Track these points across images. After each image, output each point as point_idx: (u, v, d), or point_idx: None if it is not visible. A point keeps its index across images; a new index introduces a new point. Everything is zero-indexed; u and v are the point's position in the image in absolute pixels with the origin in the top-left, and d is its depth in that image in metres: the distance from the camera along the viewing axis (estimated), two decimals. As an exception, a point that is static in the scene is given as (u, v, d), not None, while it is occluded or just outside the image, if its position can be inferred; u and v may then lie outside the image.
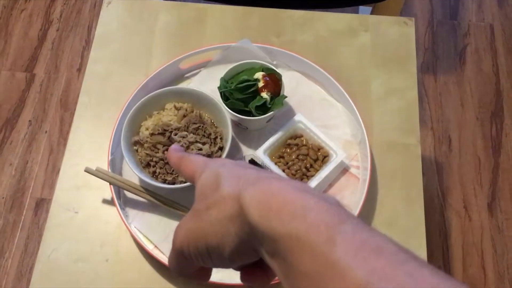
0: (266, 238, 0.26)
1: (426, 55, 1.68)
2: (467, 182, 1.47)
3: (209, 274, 0.37)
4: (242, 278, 0.33)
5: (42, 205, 1.40)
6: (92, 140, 0.83)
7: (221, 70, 0.80)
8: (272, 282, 0.33)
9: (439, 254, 1.38)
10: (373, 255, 0.23)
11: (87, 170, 0.74)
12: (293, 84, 0.87)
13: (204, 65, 0.89)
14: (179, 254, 0.33)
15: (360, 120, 0.80)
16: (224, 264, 0.31)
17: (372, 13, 1.26)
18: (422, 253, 0.74)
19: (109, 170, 0.77)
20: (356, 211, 0.74)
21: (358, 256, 0.23)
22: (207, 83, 0.85)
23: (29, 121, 1.61)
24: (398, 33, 0.92)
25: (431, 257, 1.38)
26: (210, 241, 0.30)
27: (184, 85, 0.87)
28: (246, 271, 0.33)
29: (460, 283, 0.22)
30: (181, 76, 0.89)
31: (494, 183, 1.47)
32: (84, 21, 1.80)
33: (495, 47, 1.69)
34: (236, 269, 0.33)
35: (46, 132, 1.59)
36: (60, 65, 1.72)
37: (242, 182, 0.29)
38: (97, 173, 0.74)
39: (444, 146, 1.53)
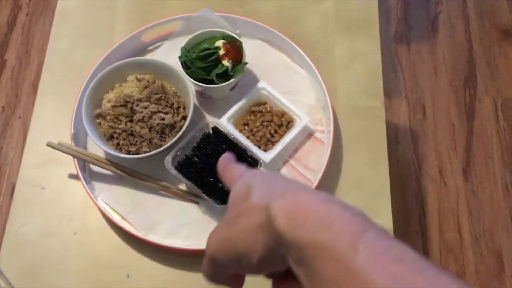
0: (292, 247, 0.27)
1: (399, 25, 1.68)
2: (442, 149, 1.49)
3: (242, 280, 0.37)
4: (273, 286, 0.34)
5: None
6: (56, 116, 0.83)
7: (184, 41, 0.79)
8: None
9: (416, 220, 1.40)
10: (394, 262, 0.24)
11: (49, 144, 0.73)
12: (257, 53, 0.86)
13: (167, 37, 0.88)
14: (212, 261, 0.34)
15: (323, 85, 0.80)
16: (254, 271, 0.32)
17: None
18: (387, 212, 0.75)
19: (73, 144, 0.76)
20: (320, 174, 0.75)
21: (380, 263, 0.24)
22: (170, 55, 0.84)
23: (2, 107, 1.59)
24: (360, -2, 0.92)
25: (408, 224, 1.40)
26: (240, 249, 0.31)
27: (148, 57, 0.87)
28: (277, 279, 0.34)
29: None
30: (144, 49, 0.88)
31: (468, 149, 1.49)
32: (54, 4, 1.75)
33: (467, 14, 1.69)
34: (268, 277, 0.35)
35: (19, 117, 1.58)
36: (31, 50, 1.69)
37: (271, 193, 0.30)
38: (59, 147, 0.73)
39: (418, 114, 1.54)
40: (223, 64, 0.76)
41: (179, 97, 0.79)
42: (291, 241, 0.27)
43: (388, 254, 0.24)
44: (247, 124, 0.79)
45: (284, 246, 0.28)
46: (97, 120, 0.77)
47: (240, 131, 0.78)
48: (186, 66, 0.77)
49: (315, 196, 0.28)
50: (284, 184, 0.32)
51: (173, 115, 0.76)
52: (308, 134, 0.80)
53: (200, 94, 0.82)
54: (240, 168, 0.40)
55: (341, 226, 0.26)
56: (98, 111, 0.76)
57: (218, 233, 0.33)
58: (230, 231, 0.32)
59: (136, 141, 0.74)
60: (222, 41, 0.78)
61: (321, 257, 0.25)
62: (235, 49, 0.78)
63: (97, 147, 0.75)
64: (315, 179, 0.75)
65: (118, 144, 0.75)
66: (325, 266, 0.25)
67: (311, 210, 0.27)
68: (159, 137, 0.74)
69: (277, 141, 0.77)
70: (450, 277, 0.23)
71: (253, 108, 0.80)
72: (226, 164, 0.41)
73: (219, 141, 0.72)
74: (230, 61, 0.76)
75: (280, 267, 0.31)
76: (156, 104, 0.76)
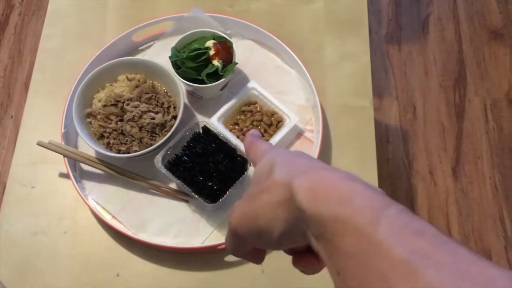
0: (313, 222, 0.27)
1: (390, 26, 1.69)
2: (432, 148, 1.50)
3: (262, 256, 0.38)
4: (293, 262, 0.35)
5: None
6: (47, 115, 0.83)
7: (175, 41, 0.80)
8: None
9: (406, 219, 1.41)
10: (415, 236, 0.24)
11: (40, 143, 0.74)
12: (247, 53, 0.87)
13: (158, 37, 0.89)
14: (234, 234, 0.35)
15: (312, 84, 0.81)
16: (274, 246, 0.32)
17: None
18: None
19: (63, 143, 0.77)
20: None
21: (400, 237, 0.24)
22: (161, 55, 0.84)
23: (-6, 106, 1.59)
24: (350, -1, 0.93)
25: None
26: (261, 223, 0.31)
27: (138, 57, 0.87)
28: (297, 255, 0.35)
29: (498, 266, 0.23)
30: (135, 49, 0.89)
31: (458, 148, 1.50)
32: (46, 4, 1.76)
33: (457, 15, 1.70)
34: (288, 253, 0.35)
35: (12, 117, 1.57)
36: (24, 49, 1.69)
37: (293, 170, 0.31)
38: (50, 146, 0.74)
39: (409, 114, 1.55)
40: (213, 64, 0.77)
41: (169, 96, 0.79)
42: (312, 216, 0.27)
43: (408, 228, 0.24)
44: (237, 124, 0.80)
45: (305, 222, 0.28)
46: (88, 120, 0.77)
47: (230, 130, 0.79)
48: (176, 66, 0.78)
49: (337, 174, 0.29)
50: (306, 162, 0.33)
51: (164, 114, 0.76)
52: (298, 133, 0.81)
53: (191, 94, 0.83)
54: (266, 145, 0.40)
55: (362, 201, 0.26)
56: (88, 110, 0.77)
57: (240, 208, 0.34)
58: (252, 206, 0.32)
59: (127, 140, 0.74)
60: (212, 41, 0.78)
61: (342, 231, 0.26)
62: (226, 49, 0.78)
63: (87, 146, 0.75)
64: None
65: (108, 143, 0.75)
66: (345, 240, 0.25)
67: (333, 186, 0.28)
68: (150, 136, 0.75)
69: (267, 140, 0.77)
70: (469, 251, 0.23)
71: (243, 108, 0.81)
72: (253, 141, 0.41)
73: (209, 141, 0.72)
74: (221, 61, 0.77)
75: (300, 243, 0.31)
76: (146, 103, 0.76)
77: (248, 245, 0.35)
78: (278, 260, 0.73)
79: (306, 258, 0.34)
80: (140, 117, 0.75)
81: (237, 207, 0.34)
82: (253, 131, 0.43)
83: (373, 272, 0.24)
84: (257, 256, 0.38)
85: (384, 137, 1.49)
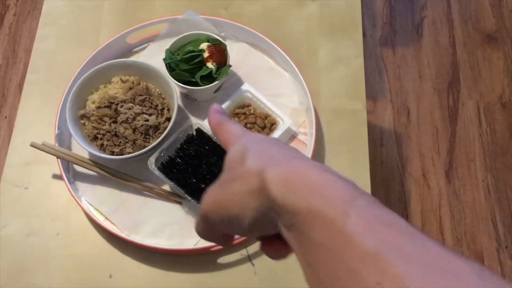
0: (285, 212, 0.27)
1: (384, 29, 1.70)
2: (426, 151, 1.51)
3: (231, 239, 0.39)
4: (261, 247, 0.35)
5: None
6: (40, 116, 0.83)
7: (169, 44, 0.80)
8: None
9: (400, 221, 1.42)
10: (384, 228, 0.24)
11: (33, 145, 0.74)
12: (242, 55, 0.87)
13: (152, 39, 0.89)
14: (204, 219, 0.35)
15: (306, 87, 0.81)
16: (244, 233, 0.33)
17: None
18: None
19: (57, 145, 0.77)
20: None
21: (369, 228, 0.24)
22: (156, 57, 0.85)
23: (-12, 107, 1.58)
24: (344, 2, 0.93)
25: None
26: (231, 211, 0.31)
27: (133, 59, 0.87)
28: (266, 241, 0.35)
29: (466, 258, 0.23)
30: (129, 51, 0.89)
31: (451, 151, 1.51)
32: (41, 4, 1.76)
33: (451, 19, 1.72)
34: (257, 238, 0.35)
35: (6, 117, 1.57)
36: (18, 50, 1.69)
37: (266, 159, 0.31)
38: (43, 147, 0.74)
39: (403, 117, 1.56)
40: (207, 67, 0.77)
41: (163, 98, 0.79)
42: (284, 206, 0.27)
43: (378, 220, 0.24)
44: (230, 126, 0.80)
45: (276, 212, 0.28)
46: (82, 121, 0.77)
47: (224, 132, 0.79)
48: (170, 68, 0.78)
49: (310, 164, 0.29)
50: (280, 151, 0.32)
51: (157, 116, 0.76)
52: (291, 136, 0.81)
53: (185, 96, 0.83)
54: (236, 128, 0.38)
55: (334, 193, 0.26)
56: (82, 112, 0.77)
57: (212, 194, 0.34)
58: (223, 193, 0.32)
59: (120, 142, 0.75)
60: (206, 43, 0.78)
61: (313, 222, 0.26)
62: (220, 51, 0.78)
63: (81, 148, 0.75)
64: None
65: (102, 145, 0.75)
66: (316, 230, 0.25)
67: (305, 177, 0.28)
68: (143, 138, 0.75)
69: (260, 143, 0.77)
70: (438, 243, 0.23)
71: (237, 110, 0.81)
72: (220, 122, 0.40)
73: (202, 143, 0.73)
74: (215, 64, 0.77)
75: (270, 232, 0.31)
76: (140, 105, 0.76)
77: (218, 231, 0.35)
78: (271, 262, 0.73)
79: (274, 243, 0.34)
80: (134, 119, 0.75)
81: (209, 193, 0.34)
82: (216, 105, 0.41)
83: (343, 264, 0.24)
84: (225, 240, 0.38)
85: (378, 140, 1.49)
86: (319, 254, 0.25)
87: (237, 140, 0.36)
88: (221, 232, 0.36)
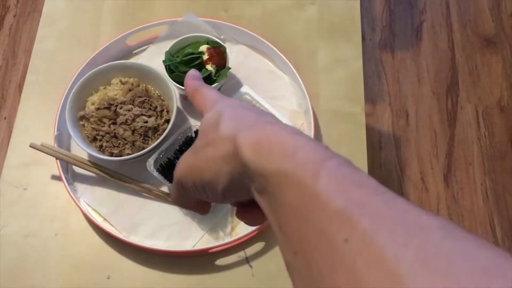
0: (257, 176, 0.27)
1: (383, 32, 1.71)
2: (424, 155, 1.51)
3: (207, 208, 0.38)
4: (236, 214, 0.35)
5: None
6: (40, 117, 0.83)
7: (169, 46, 0.80)
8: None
9: (398, 225, 1.42)
10: (353, 187, 0.24)
11: (32, 145, 0.74)
12: (241, 58, 0.88)
13: (152, 41, 0.89)
14: (179, 186, 0.35)
15: (304, 90, 0.81)
16: (218, 199, 0.33)
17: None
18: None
19: (56, 146, 0.77)
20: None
21: (339, 188, 0.24)
22: (155, 59, 0.85)
23: (-12, 108, 1.59)
24: (343, 5, 0.94)
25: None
26: (205, 177, 0.31)
27: (132, 61, 0.87)
28: (241, 208, 0.35)
29: (434, 214, 0.23)
30: (129, 53, 0.89)
31: (450, 155, 1.52)
32: (41, 6, 1.76)
33: (450, 23, 1.72)
34: (233, 204, 0.35)
35: (5, 118, 1.57)
36: (18, 51, 1.69)
37: (239, 124, 0.31)
38: (42, 148, 0.74)
39: (401, 120, 1.56)
40: (206, 69, 0.77)
41: (162, 100, 0.80)
42: (256, 170, 0.27)
43: (348, 179, 0.24)
44: (229, 128, 0.80)
45: (248, 176, 0.28)
46: (81, 122, 0.77)
47: (223, 134, 0.79)
48: (170, 70, 0.78)
49: (282, 128, 0.29)
50: (254, 116, 0.32)
51: (157, 118, 0.77)
52: (289, 138, 0.82)
53: (184, 98, 0.83)
54: (213, 94, 0.38)
55: (305, 155, 0.26)
56: (81, 113, 0.77)
57: (186, 160, 0.34)
58: (197, 159, 0.32)
59: (119, 143, 0.75)
60: (206, 46, 0.79)
61: (284, 185, 0.26)
62: (219, 54, 0.79)
63: (80, 149, 0.75)
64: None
65: (101, 146, 0.76)
66: (286, 193, 0.25)
67: (277, 140, 0.27)
68: (142, 139, 0.75)
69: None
70: (405, 200, 0.23)
71: (236, 112, 0.81)
72: (196, 88, 0.40)
73: (201, 144, 0.73)
74: (214, 66, 0.78)
75: (244, 198, 0.31)
76: (139, 107, 0.76)
77: (192, 197, 0.35)
78: (268, 264, 0.74)
79: (250, 210, 0.34)
80: (133, 120, 0.75)
81: (183, 159, 0.34)
82: (193, 71, 0.42)
83: (312, 225, 0.24)
84: (201, 208, 0.38)
85: (377, 143, 1.50)
86: (290, 217, 0.25)
87: (212, 106, 0.36)
88: (196, 199, 0.36)
